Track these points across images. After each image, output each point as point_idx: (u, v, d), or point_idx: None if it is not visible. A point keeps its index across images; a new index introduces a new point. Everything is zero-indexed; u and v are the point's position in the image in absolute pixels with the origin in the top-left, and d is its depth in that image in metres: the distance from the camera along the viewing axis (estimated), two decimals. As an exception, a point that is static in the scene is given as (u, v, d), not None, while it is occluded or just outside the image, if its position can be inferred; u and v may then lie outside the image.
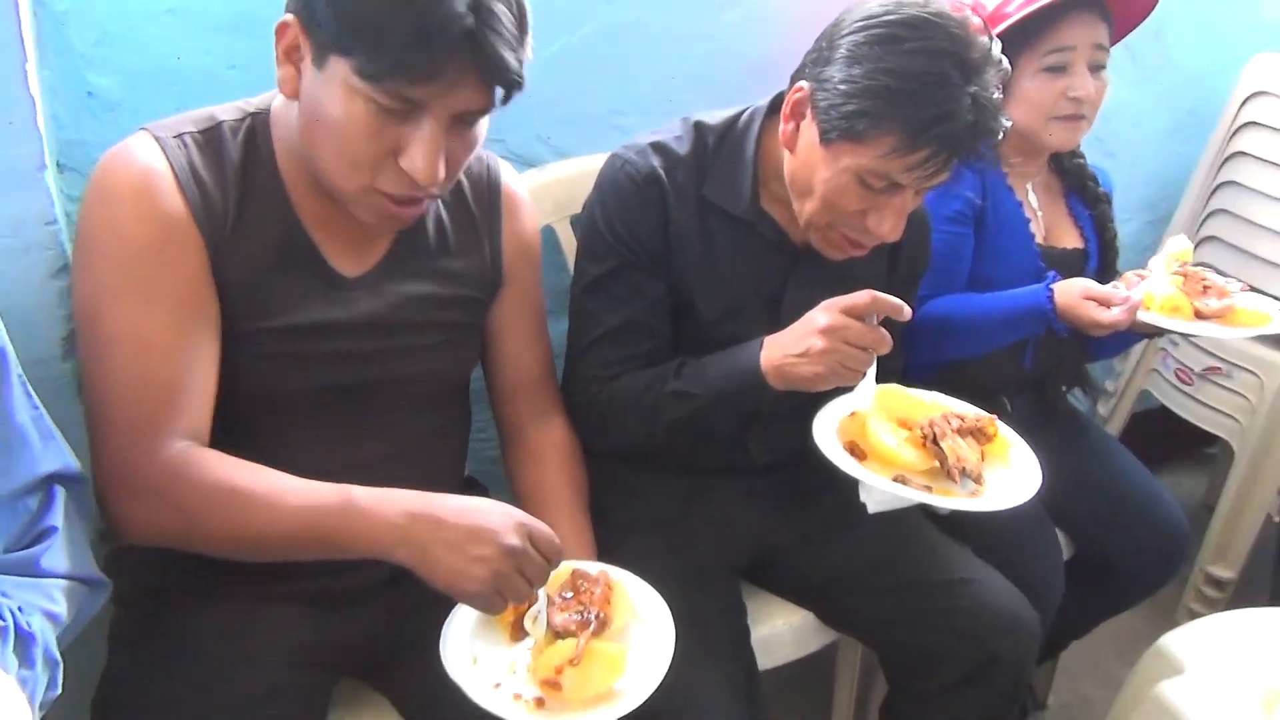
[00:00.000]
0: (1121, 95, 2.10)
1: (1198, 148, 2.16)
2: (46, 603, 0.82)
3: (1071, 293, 1.40)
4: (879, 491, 1.12)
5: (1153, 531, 1.61)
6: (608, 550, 1.25)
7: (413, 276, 1.12)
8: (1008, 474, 1.19)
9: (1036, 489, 1.15)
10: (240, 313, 1.01)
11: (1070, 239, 1.65)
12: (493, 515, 0.92)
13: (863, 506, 1.16)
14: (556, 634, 0.99)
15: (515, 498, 1.27)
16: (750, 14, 1.62)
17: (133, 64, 1.23)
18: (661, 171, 1.22)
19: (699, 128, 1.27)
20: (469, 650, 1.00)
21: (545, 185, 1.50)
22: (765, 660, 1.37)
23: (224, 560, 0.99)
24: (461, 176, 1.16)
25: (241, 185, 1.01)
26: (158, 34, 1.23)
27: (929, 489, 1.12)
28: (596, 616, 1.01)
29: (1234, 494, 2.09)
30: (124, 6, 1.20)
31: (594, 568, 1.09)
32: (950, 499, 1.11)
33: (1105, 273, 1.64)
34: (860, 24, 1.11)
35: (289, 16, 0.94)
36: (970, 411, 1.22)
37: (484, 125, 1.01)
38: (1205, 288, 1.43)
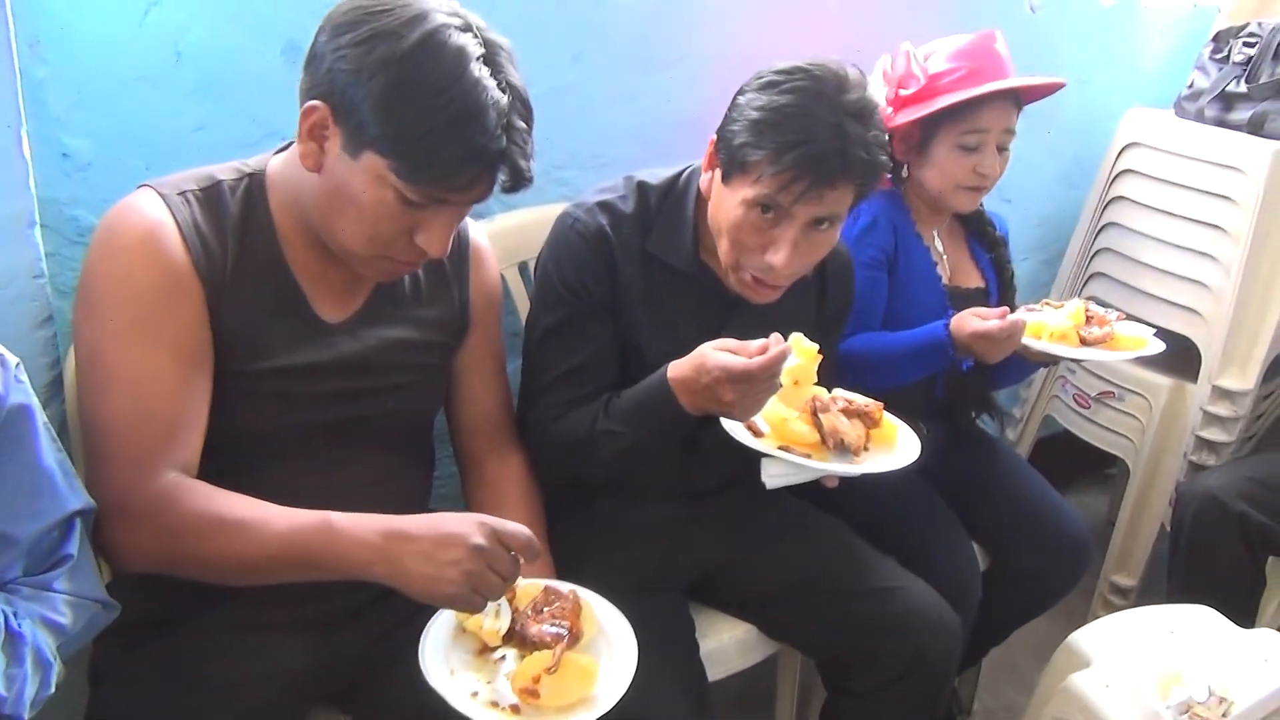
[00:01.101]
0: (1015, 148, 2.30)
1: (1084, 193, 2.38)
2: (49, 612, 0.88)
3: (962, 319, 1.57)
4: (775, 466, 1.25)
5: (1059, 541, 1.76)
6: (564, 573, 1.32)
7: (389, 322, 1.22)
8: (891, 455, 1.33)
9: (911, 460, 1.30)
10: (235, 356, 1.09)
11: (973, 279, 1.83)
12: (457, 521, 1.00)
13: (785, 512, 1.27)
14: (533, 645, 1.06)
15: None
16: (686, 74, 1.76)
17: (105, 127, 1.31)
18: (609, 229, 1.34)
19: (642, 187, 1.39)
20: (446, 663, 1.06)
21: (494, 235, 1.58)
22: (713, 672, 1.47)
23: (208, 588, 1.05)
24: None
25: (239, 239, 1.10)
26: (130, 99, 1.31)
27: (809, 457, 1.26)
28: (570, 629, 1.08)
29: (1131, 508, 2.28)
30: (99, 73, 1.28)
31: (564, 586, 1.16)
32: (828, 464, 1.25)
33: (1004, 307, 1.81)
34: (754, 79, 1.29)
35: (318, 102, 1.02)
36: (863, 400, 1.35)
37: None
38: (1089, 318, 1.60)
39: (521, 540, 1.02)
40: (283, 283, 1.13)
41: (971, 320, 1.55)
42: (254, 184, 1.13)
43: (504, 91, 1.03)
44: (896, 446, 1.35)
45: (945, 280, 1.76)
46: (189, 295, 1.05)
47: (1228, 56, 2.14)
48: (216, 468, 1.07)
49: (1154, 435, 2.20)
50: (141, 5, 1.29)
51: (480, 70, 1.01)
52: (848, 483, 1.51)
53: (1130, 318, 1.70)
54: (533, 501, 1.37)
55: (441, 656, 1.06)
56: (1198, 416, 2.12)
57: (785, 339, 1.44)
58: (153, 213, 1.05)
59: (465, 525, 1.00)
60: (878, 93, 1.31)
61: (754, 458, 1.28)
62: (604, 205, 1.36)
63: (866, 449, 1.32)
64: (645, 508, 1.48)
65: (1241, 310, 2.03)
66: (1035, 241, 2.50)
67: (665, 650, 1.32)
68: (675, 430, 1.29)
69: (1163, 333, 2.14)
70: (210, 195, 1.10)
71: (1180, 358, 2.13)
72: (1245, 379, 2.06)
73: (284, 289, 1.13)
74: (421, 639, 1.06)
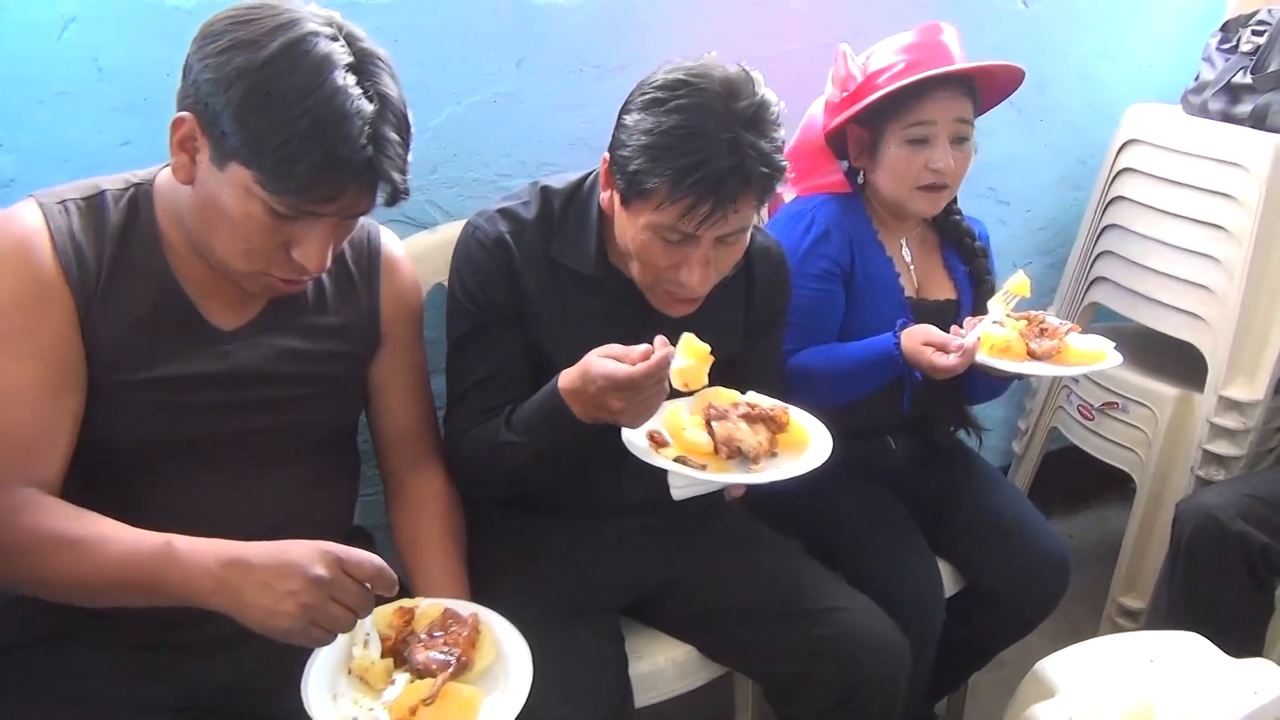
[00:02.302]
0: (1011, 146, 2.22)
1: (1088, 193, 2.26)
2: None
3: (914, 340, 1.48)
4: (678, 477, 1.20)
5: (1035, 562, 1.66)
6: (486, 590, 1.30)
7: (287, 331, 1.20)
8: (798, 460, 1.25)
9: (817, 465, 1.22)
10: (112, 366, 1.08)
11: (943, 291, 1.72)
12: (298, 550, 0.96)
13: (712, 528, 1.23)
14: (418, 673, 1.03)
15: (395, 545, 1.33)
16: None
17: (27, 143, 1.33)
18: (509, 236, 1.31)
19: (546, 193, 1.36)
20: (331, 686, 1.03)
21: (436, 245, 1.58)
22: (649, 695, 1.43)
23: (77, 608, 1.03)
24: None
25: (117, 248, 1.09)
26: (51, 115, 1.33)
27: (704, 468, 1.19)
28: (458, 658, 1.04)
29: (1138, 525, 2.15)
30: (18, 90, 1.30)
31: (467, 609, 1.13)
32: (722, 475, 1.19)
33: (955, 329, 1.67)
34: (637, 94, 1.22)
35: (185, 114, 1.02)
36: (772, 402, 1.29)
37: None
38: (1043, 330, 1.50)
39: (369, 570, 0.98)
40: (168, 291, 1.11)
41: (925, 352, 1.46)
42: (140, 194, 1.13)
43: (371, 100, 1.01)
44: (807, 450, 1.28)
45: (911, 292, 1.68)
46: (57, 306, 1.04)
47: (1236, 46, 2.01)
48: (104, 483, 1.07)
49: (1160, 448, 2.08)
50: (59, 21, 1.30)
51: (345, 78, 1.00)
52: (806, 499, 1.46)
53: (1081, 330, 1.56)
54: (451, 519, 1.34)
55: (327, 679, 1.03)
56: (1205, 429, 1.99)
57: (711, 346, 1.42)
58: (27, 222, 1.05)
59: (307, 555, 0.95)
60: (768, 92, 1.23)
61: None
62: (505, 212, 1.33)
63: (774, 454, 1.26)
64: (579, 524, 1.44)
65: (1247, 315, 1.90)
66: (1040, 245, 2.39)
67: (582, 674, 1.28)
68: (575, 441, 1.24)
69: (1168, 340, 2.06)
70: (92, 205, 1.10)
71: (1189, 365, 2.01)
72: (1254, 389, 1.93)
73: (169, 298, 1.12)
74: (311, 658, 1.03)
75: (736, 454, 1.22)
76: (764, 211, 1.32)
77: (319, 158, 0.98)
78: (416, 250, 1.50)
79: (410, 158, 1.08)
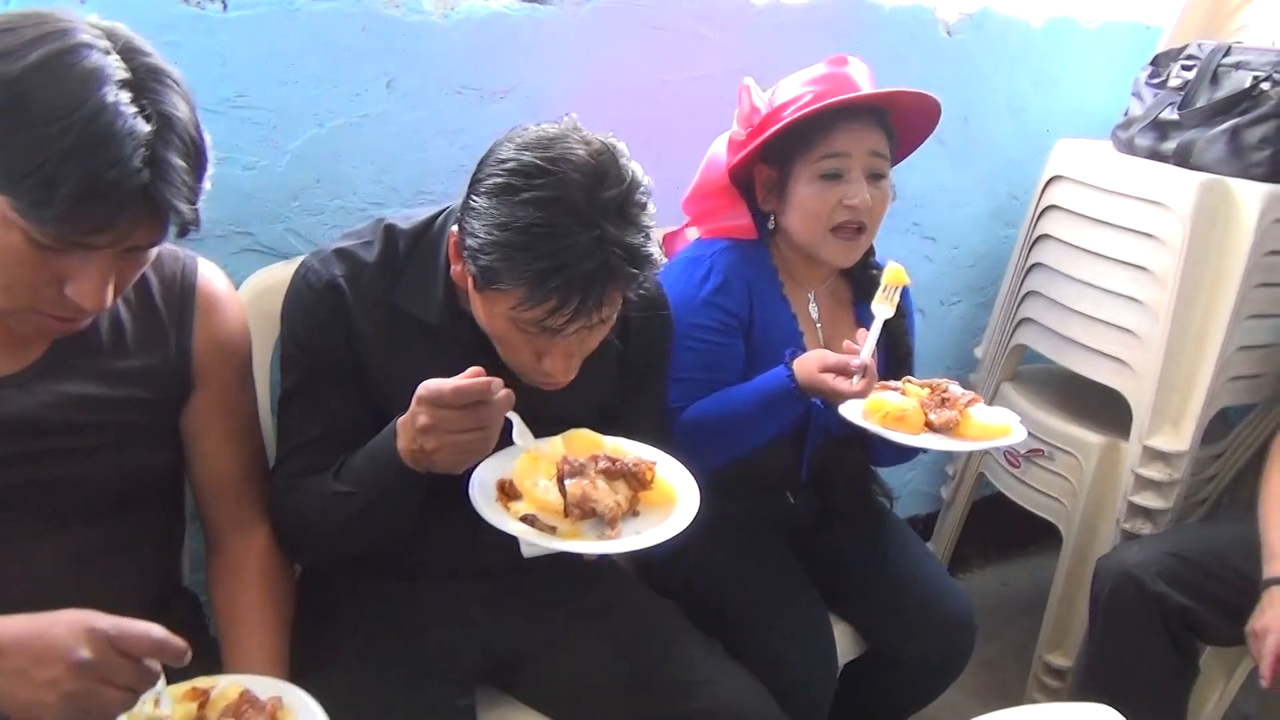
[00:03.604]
0: (936, 180, 2.13)
1: (1018, 230, 2.17)
2: None
3: (809, 367, 1.37)
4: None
5: (939, 625, 1.56)
6: (327, 659, 1.20)
7: (75, 376, 1.07)
8: (663, 523, 1.12)
9: (679, 530, 1.10)
10: None
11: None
12: (59, 630, 0.84)
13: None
14: None
15: (213, 609, 1.22)
16: (521, 104, 1.62)
17: None
18: (343, 280, 1.19)
19: (390, 232, 1.23)
20: None
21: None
22: (504, 773, 1.30)
23: None
24: (149, 273, 1.13)
25: None
26: None
27: (554, 529, 1.07)
28: None
29: (1064, 580, 2.05)
30: None
31: (268, 690, 1.01)
32: (568, 542, 1.06)
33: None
34: (489, 171, 1.08)
35: None
36: (637, 455, 1.16)
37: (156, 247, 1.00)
38: (944, 399, 1.39)
39: (147, 645, 0.85)
40: None
41: (825, 378, 1.34)
42: None
43: (149, 120, 0.90)
44: (672, 511, 1.15)
45: (818, 347, 1.55)
46: None
47: (1165, 81, 1.93)
48: None
49: (1086, 499, 1.98)
50: None
51: (116, 95, 0.89)
52: (689, 557, 1.34)
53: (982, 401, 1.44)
54: (274, 584, 1.22)
55: None
56: (1130, 480, 1.89)
57: (581, 395, 1.30)
58: None
59: (69, 636, 0.83)
60: (635, 167, 1.11)
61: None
62: (342, 253, 1.21)
63: (635, 514, 1.14)
64: (430, 585, 1.32)
65: (1172, 361, 1.81)
66: (969, 283, 2.29)
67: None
68: (407, 490, 1.13)
69: (1094, 386, 1.96)
70: None
71: (1118, 412, 1.92)
72: (1180, 439, 1.83)
73: None
74: None
75: (590, 515, 1.10)
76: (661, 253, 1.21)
77: (80, 182, 0.86)
78: (272, 281, 1.39)
79: (205, 185, 0.97)
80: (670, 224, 1.73)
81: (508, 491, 1.12)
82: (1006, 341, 2.14)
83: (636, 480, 1.14)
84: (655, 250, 1.11)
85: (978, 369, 2.25)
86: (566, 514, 1.09)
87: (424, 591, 1.31)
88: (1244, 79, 1.78)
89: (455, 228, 1.14)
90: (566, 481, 1.10)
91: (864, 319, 1.60)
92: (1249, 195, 1.72)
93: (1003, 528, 2.43)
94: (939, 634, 1.56)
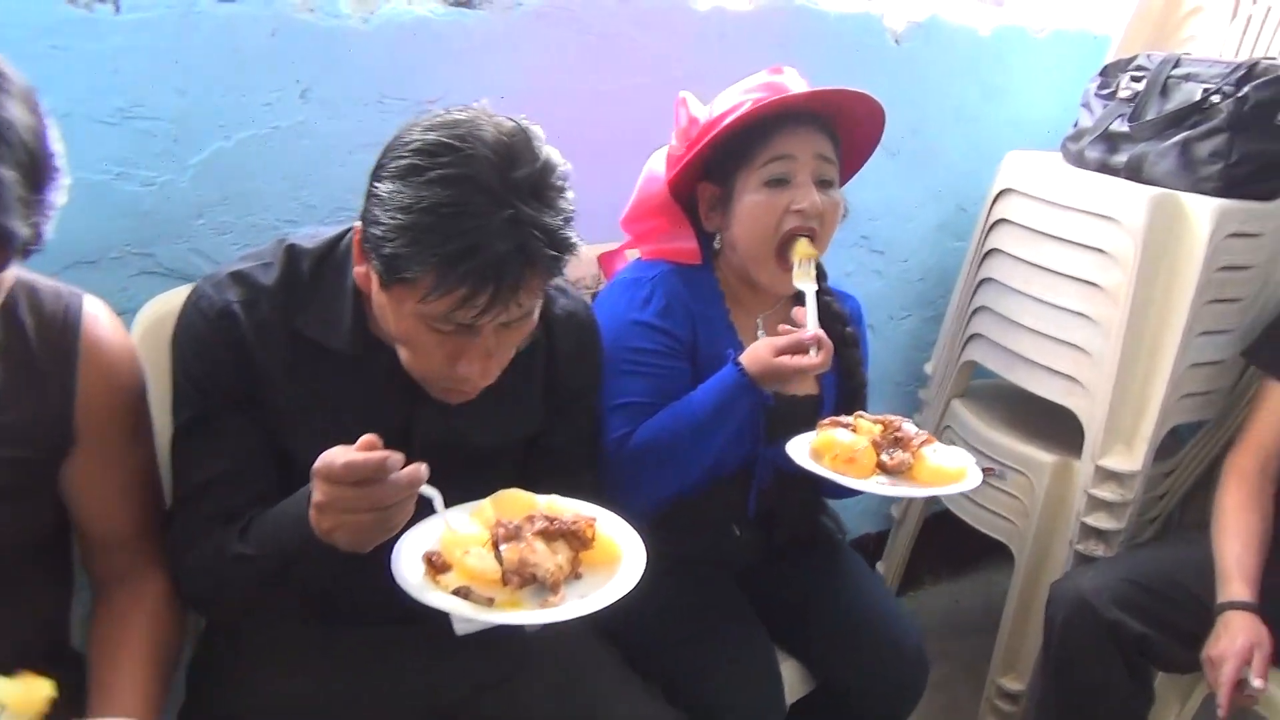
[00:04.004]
0: (885, 192, 2.08)
1: (969, 243, 2.12)
2: None
3: (761, 356, 1.29)
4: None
5: (890, 661, 1.49)
6: (240, 712, 1.12)
7: None
8: (608, 584, 1.03)
9: (625, 591, 1.01)
10: None
11: (804, 383, 1.49)
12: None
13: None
14: None
15: (87, 650, 1.11)
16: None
17: None
18: (238, 306, 1.09)
19: (292, 252, 1.13)
20: None
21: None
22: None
23: None
24: (23, 314, 1.02)
25: None
26: None
27: (491, 600, 0.97)
28: None
29: (1016, 602, 2.00)
30: None
31: None
32: (508, 614, 0.96)
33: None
34: (393, 156, 0.99)
35: None
36: (574, 512, 1.07)
37: (11, 273, 0.89)
38: (897, 438, 1.32)
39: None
40: None
41: (782, 360, 1.27)
42: None
43: None
44: (617, 568, 1.06)
45: None
46: None
47: (1115, 93, 1.89)
48: None
49: (1038, 519, 1.93)
50: None
51: None
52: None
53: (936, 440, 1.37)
54: (159, 629, 1.11)
55: None
56: (1083, 500, 1.85)
57: (505, 425, 1.20)
58: None
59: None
60: (551, 151, 1.03)
61: None
62: (238, 276, 1.11)
63: (578, 576, 1.05)
64: (355, 632, 1.21)
65: (1124, 380, 1.76)
66: (919, 297, 2.24)
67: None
68: (321, 557, 1.01)
69: (1045, 402, 1.91)
70: None
71: (1071, 429, 1.87)
72: (1133, 459, 1.79)
73: None
74: None
75: (530, 581, 1.00)
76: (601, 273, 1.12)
77: None
78: (173, 306, 1.27)
79: (53, 199, 0.86)
80: (606, 241, 1.65)
81: (436, 564, 1.01)
82: (956, 357, 2.09)
83: (577, 540, 1.05)
84: (576, 236, 1.02)
85: (928, 385, 2.20)
86: (504, 582, 0.99)
87: (350, 638, 1.21)
88: (1194, 91, 1.74)
89: (358, 223, 1.04)
90: (502, 547, 1.00)
91: None
92: (1201, 210, 1.68)
93: (954, 544, 2.38)
94: (891, 669, 1.49)
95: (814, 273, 1.36)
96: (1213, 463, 2.04)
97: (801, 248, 1.36)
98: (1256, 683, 1.47)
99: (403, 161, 0.97)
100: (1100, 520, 1.84)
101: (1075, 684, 1.66)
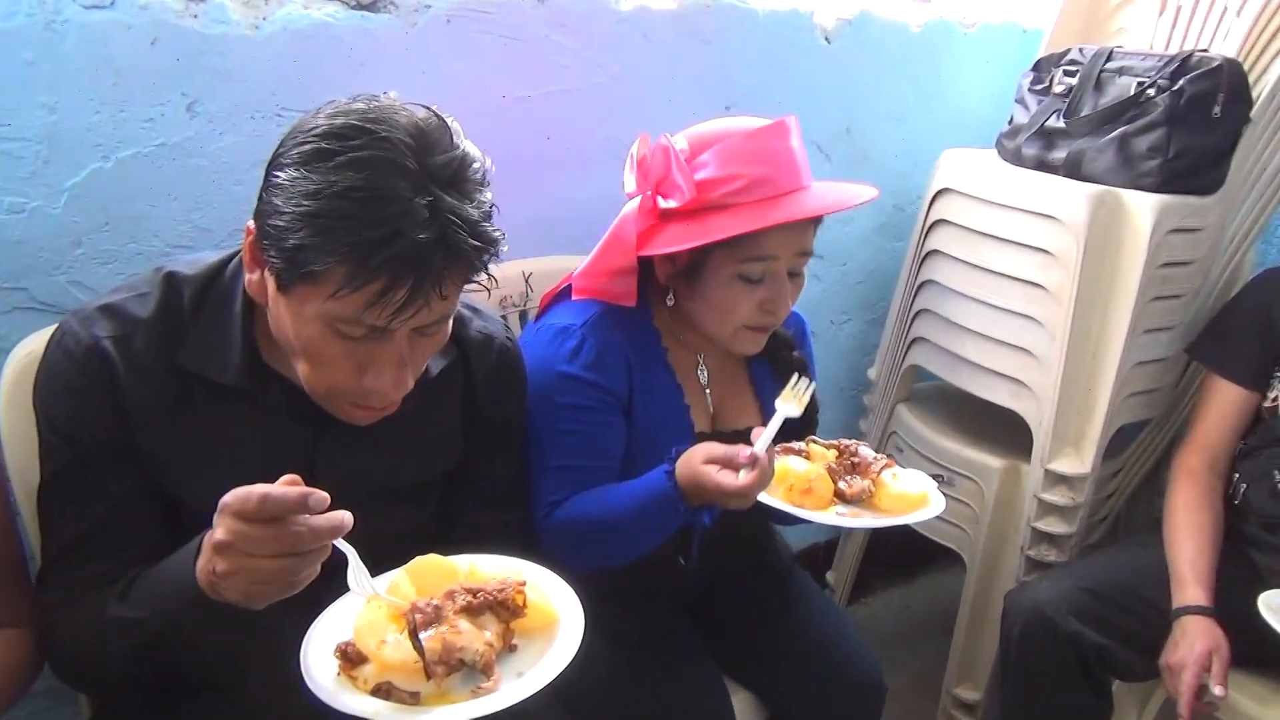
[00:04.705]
0: (821, 194, 2.01)
1: (908, 244, 2.07)
2: None
3: (694, 464, 1.16)
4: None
5: (845, 689, 1.42)
6: None
7: None
8: (545, 656, 0.93)
9: (565, 665, 0.91)
10: None
11: (746, 417, 1.40)
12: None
13: None
14: None
15: None
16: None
17: None
18: (109, 342, 0.97)
19: (171, 280, 1.02)
20: None
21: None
22: None
23: None
24: None
25: None
26: None
27: (416, 696, 0.86)
28: None
29: (970, 609, 1.95)
30: None
31: None
32: (437, 711, 0.85)
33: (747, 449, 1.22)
34: (294, 143, 0.90)
35: None
36: (500, 576, 0.97)
37: None
38: (854, 464, 1.25)
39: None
40: None
41: (709, 471, 1.13)
42: None
43: None
44: (555, 634, 0.96)
45: (704, 425, 1.37)
46: None
47: (1048, 88, 1.85)
48: None
49: (989, 525, 1.88)
50: None
51: None
52: None
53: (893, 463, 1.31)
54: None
55: None
56: (1033, 505, 1.80)
57: (423, 461, 1.11)
58: None
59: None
60: (470, 147, 0.95)
61: None
62: (108, 310, 0.99)
63: (512, 648, 0.95)
64: (261, 702, 1.09)
65: (1071, 381, 1.72)
66: (860, 300, 2.18)
67: None
68: (209, 620, 0.90)
69: (992, 406, 1.87)
70: None
71: (1020, 433, 1.82)
72: (1082, 461, 1.75)
73: None
74: None
75: (459, 667, 0.90)
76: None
77: None
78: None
79: None
80: (529, 257, 1.56)
81: (351, 657, 0.90)
82: (899, 362, 2.04)
83: (506, 610, 0.95)
84: (497, 232, 0.94)
85: (871, 390, 2.14)
86: (428, 674, 0.88)
87: (255, 708, 1.09)
88: (1128, 85, 1.70)
89: (251, 222, 0.94)
90: (422, 634, 0.89)
91: (759, 381, 1.44)
92: (1141, 206, 1.64)
93: (906, 550, 2.33)
94: (845, 697, 1.43)
95: (805, 398, 1.23)
96: (1159, 460, 2.03)
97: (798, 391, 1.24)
98: (1217, 690, 1.44)
99: (307, 147, 0.88)
100: (1051, 525, 1.79)
101: (1034, 696, 1.61)
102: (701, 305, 1.30)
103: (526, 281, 1.57)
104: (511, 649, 0.95)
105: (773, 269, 1.26)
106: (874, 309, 2.19)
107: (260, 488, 0.80)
